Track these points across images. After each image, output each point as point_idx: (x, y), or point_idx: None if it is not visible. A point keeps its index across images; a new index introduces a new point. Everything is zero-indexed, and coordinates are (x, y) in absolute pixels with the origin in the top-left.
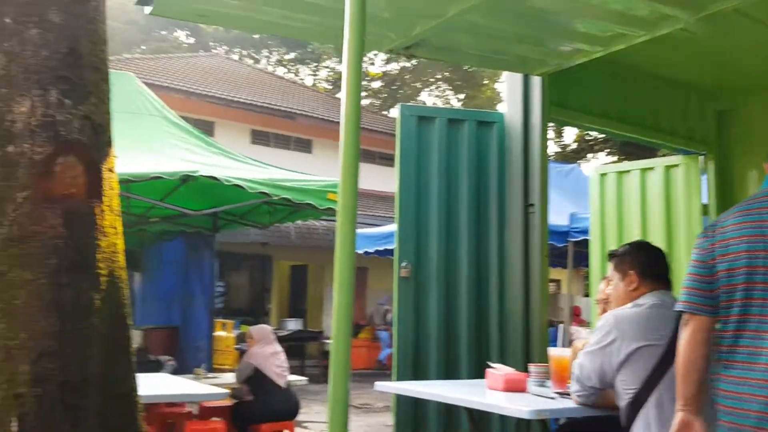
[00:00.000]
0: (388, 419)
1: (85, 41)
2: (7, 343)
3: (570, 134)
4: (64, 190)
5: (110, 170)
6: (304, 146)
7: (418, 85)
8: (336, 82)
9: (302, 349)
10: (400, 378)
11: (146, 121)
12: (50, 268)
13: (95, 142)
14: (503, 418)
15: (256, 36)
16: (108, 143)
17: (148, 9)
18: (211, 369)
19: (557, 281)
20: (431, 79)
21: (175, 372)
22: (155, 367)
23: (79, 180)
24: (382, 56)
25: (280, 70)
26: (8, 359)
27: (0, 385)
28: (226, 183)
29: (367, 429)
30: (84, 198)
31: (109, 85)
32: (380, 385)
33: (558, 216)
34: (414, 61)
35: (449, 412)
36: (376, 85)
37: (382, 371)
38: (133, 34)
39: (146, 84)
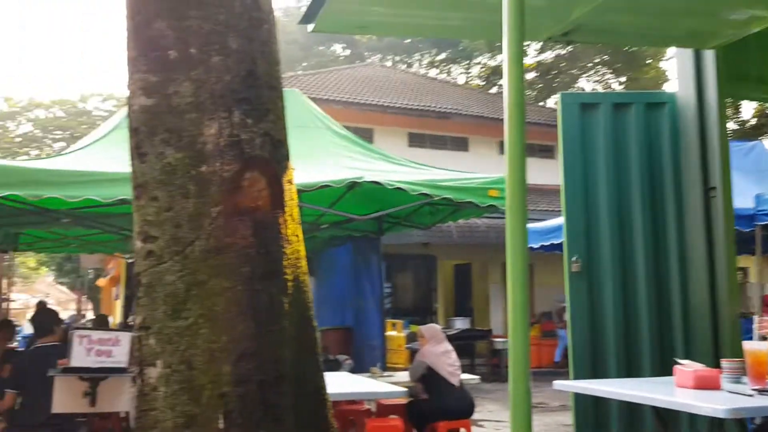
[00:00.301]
0: (565, 418)
1: (261, 63)
2: (210, 346)
3: (748, 109)
4: (252, 203)
5: (289, 182)
6: (461, 145)
7: (574, 71)
8: (489, 78)
9: (471, 347)
10: (577, 376)
11: (312, 133)
12: (244, 275)
13: (275, 157)
14: (694, 418)
15: (408, 41)
16: (286, 156)
17: (310, 27)
18: (385, 368)
19: (744, 269)
20: (589, 65)
21: (353, 371)
22: (334, 366)
23: (263, 193)
24: (535, 46)
25: (432, 72)
26: (212, 361)
27: (205, 385)
28: (389, 187)
29: (544, 428)
30: (269, 209)
31: (284, 102)
32: (559, 384)
33: (741, 198)
34: (569, 48)
35: (632, 410)
36: (530, 75)
37: (556, 370)
38: (295, 52)
39: (310, 98)
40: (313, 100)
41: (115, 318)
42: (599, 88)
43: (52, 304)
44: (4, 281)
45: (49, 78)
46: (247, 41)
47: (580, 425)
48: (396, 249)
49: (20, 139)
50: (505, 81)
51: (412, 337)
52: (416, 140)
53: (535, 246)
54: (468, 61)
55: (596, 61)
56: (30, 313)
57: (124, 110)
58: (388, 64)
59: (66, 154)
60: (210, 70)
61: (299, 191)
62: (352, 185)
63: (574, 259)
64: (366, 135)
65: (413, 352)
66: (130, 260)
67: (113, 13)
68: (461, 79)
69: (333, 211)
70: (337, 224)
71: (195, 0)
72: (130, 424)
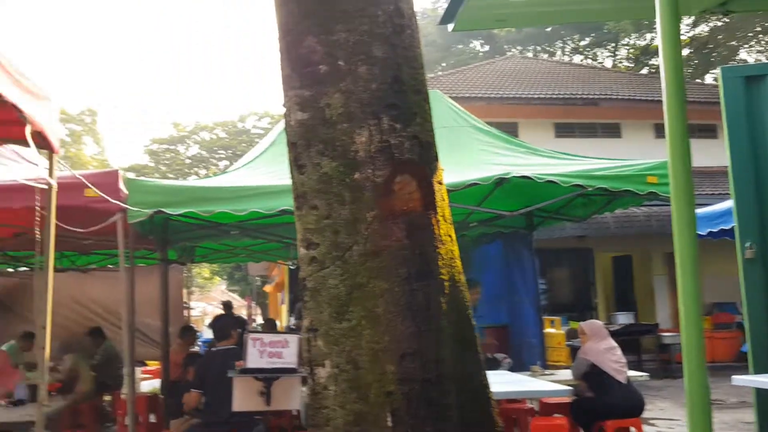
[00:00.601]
0: (746, 415)
1: (406, 68)
2: (374, 346)
3: None
4: (404, 206)
5: (439, 182)
6: (612, 131)
7: (733, 43)
8: (638, 59)
9: (636, 343)
10: (757, 370)
11: (457, 132)
12: (401, 276)
13: (424, 159)
14: None
15: (548, 29)
16: (435, 158)
17: (450, 26)
18: (546, 366)
19: None
20: (749, 34)
21: (511, 369)
22: (493, 364)
23: (415, 195)
24: (687, 20)
25: (577, 58)
26: (376, 361)
27: (372, 384)
28: (539, 180)
29: (722, 426)
30: (422, 211)
31: (430, 104)
32: (739, 379)
33: None
34: (725, 19)
35: None
36: (684, 52)
37: (732, 364)
38: (433, 53)
39: (451, 97)
40: (455, 99)
41: (282, 322)
42: (763, 59)
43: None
44: (184, 291)
45: (210, 101)
46: (391, 48)
47: (764, 423)
48: (549, 243)
49: (189, 160)
50: (660, 60)
51: (572, 334)
52: (563, 130)
53: (703, 233)
54: (614, 44)
55: (758, 29)
56: (208, 319)
57: (279, 126)
58: (530, 54)
59: (230, 171)
60: (357, 80)
61: (448, 191)
62: (500, 181)
63: (747, 245)
64: (510, 129)
65: (574, 350)
66: (292, 267)
67: (265, 35)
68: (608, 63)
69: (481, 208)
70: (486, 221)
71: (340, 14)
72: (302, 421)
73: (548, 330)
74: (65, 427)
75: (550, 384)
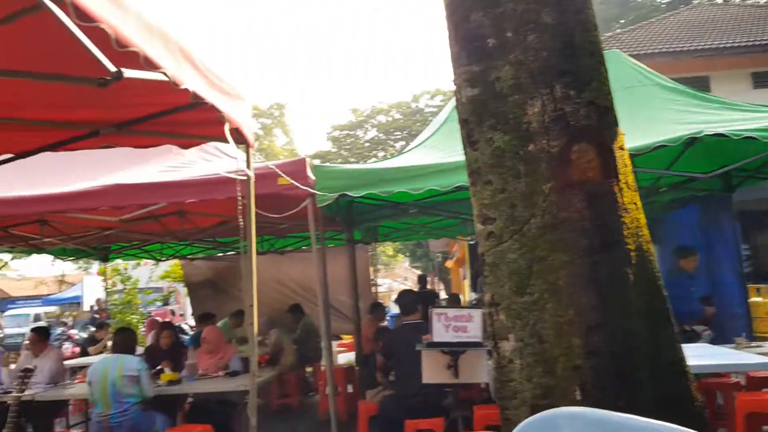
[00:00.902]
0: None
1: (578, 32)
2: (558, 319)
3: None
4: (582, 175)
5: (621, 148)
6: None
7: None
8: None
9: None
10: None
11: (639, 92)
12: (582, 248)
13: (602, 125)
14: None
15: None
16: (614, 123)
17: None
18: (752, 337)
19: None
20: None
21: (713, 342)
22: (691, 337)
23: (593, 163)
24: None
25: None
26: (561, 334)
27: (558, 358)
28: (735, 137)
29: None
30: (601, 179)
31: (606, 66)
32: None
33: None
34: None
35: None
36: None
37: None
38: (609, 10)
39: (631, 56)
40: (635, 56)
41: (465, 296)
42: None
43: (409, 286)
44: (371, 269)
45: (385, 84)
46: (561, 13)
47: None
48: (752, 205)
49: (368, 143)
50: None
51: None
52: (763, 80)
53: None
54: None
55: None
56: (394, 295)
57: (451, 104)
58: (719, 1)
59: (406, 152)
60: (527, 50)
61: (632, 155)
62: (691, 141)
63: None
64: (701, 84)
65: None
66: (471, 242)
67: (433, 18)
68: None
69: (671, 172)
70: (677, 185)
71: None
72: (491, 394)
73: (754, 299)
74: (274, 396)
75: (758, 357)
